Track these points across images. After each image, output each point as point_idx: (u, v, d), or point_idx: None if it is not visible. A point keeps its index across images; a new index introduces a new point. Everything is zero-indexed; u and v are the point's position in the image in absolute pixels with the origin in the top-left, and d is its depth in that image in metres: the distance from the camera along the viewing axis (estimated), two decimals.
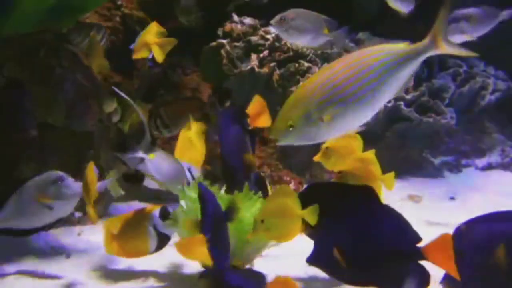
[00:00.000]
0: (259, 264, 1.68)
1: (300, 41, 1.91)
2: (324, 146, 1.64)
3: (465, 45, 1.48)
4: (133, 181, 2.21)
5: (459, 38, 1.72)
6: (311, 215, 1.35)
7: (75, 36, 2.17)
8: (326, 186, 1.61)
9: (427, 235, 2.09)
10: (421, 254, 1.28)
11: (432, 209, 2.48)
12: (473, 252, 1.24)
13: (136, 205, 2.35)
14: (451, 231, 1.38)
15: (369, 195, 1.40)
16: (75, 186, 1.61)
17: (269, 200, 1.41)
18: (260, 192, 1.60)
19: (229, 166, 1.67)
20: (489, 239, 1.23)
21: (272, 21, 1.89)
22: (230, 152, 1.67)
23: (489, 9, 1.69)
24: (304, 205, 1.37)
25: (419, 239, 1.33)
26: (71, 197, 1.62)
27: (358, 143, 1.67)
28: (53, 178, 1.60)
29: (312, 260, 1.45)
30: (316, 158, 1.66)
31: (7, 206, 1.62)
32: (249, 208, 1.56)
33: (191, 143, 1.76)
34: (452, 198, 2.68)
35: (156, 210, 1.65)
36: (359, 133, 1.55)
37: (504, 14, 1.72)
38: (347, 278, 1.41)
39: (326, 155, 1.64)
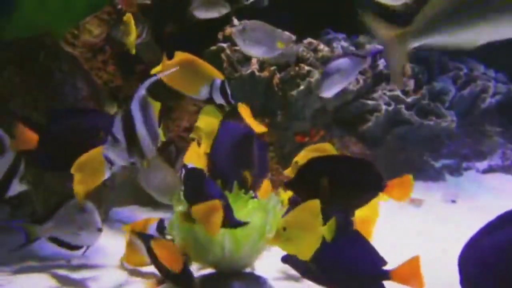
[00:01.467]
0: (260, 264, 1.68)
1: (255, 52, 1.99)
2: (294, 160, 1.66)
3: None
4: None
5: (333, 90, 1.84)
6: (328, 231, 1.34)
7: (116, 32, 2.20)
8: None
9: (427, 238, 2.09)
10: (387, 275, 1.39)
11: (433, 212, 2.47)
12: (487, 274, 1.21)
13: (136, 209, 2.35)
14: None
15: None
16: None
17: (296, 211, 1.38)
18: (251, 192, 1.61)
19: (218, 168, 1.67)
20: (498, 253, 1.20)
21: (234, 29, 1.95)
22: (221, 155, 1.67)
23: (355, 59, 1.82)
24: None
25: (384, 263, 1.41)
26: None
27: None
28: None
29: (287, 259, 1.50)
30: (287, 171, 1.67)
31: (55, 215, 1.68)
32: (242, 208, 1.56)
33: (198, 157, 1.77)
34: (453, 201, 2.67)
35: (152, 224, 1.67)
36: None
37: (366, 61, 1.86)
38: (317, 280, 1.46)
39: (294, 169, 1.65)
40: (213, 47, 2.73)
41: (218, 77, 1.64)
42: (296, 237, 1.34)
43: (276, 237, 1.35)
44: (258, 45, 1.95)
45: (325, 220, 1.35)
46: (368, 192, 1.45)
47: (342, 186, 1.42)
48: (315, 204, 1.34)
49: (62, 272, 1.74)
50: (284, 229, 1.33)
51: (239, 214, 1.54)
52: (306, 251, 1.36)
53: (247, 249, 1.55)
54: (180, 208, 1.61)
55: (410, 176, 1.45)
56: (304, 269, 1.46)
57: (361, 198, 1.46)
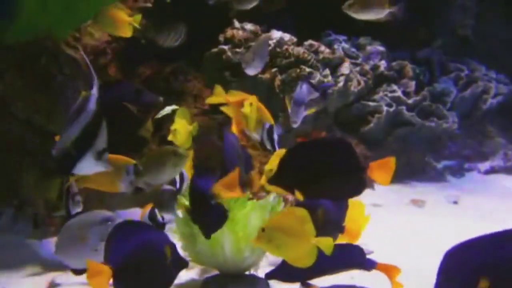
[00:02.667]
0: (263, 266, 1.68)
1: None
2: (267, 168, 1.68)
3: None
4: None
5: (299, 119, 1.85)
6: (326, 246, 1.33)
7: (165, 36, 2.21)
8: None
9: (429, 239, 2.09)
10: (375, 265, 1.55)
11: (435, 214, 2.47)
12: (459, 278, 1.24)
13: (138, 211, 2.35)
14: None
15: None
16: None
17: (280, 213, 1.38)
18: (249, 194, 1.61)
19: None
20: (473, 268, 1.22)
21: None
22: (232, 159, 1.69)
23: (311, 88, 1.87)
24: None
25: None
26: None
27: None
28: (101, 218, 1.56)
29: (271, 275, 1.53)
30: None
31: (58, 243, 1.55)
32: (240, 209, 1.56)
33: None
34: (455, 203, 2.67)
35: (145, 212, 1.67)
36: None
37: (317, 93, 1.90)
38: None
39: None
40: (214, 49, 2.74)
41: (269, 121, 1.66)
42: (278, 240, 1.32)
43: (257, 237, 1.33)
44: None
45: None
46: (351, 174, 1.44)
47: (324, 172, 1.42)
48: (302, 212, 1.33)
49: (63, 273, 1.74)
50: (263, 229, 1.32)
51: (238, 215, 1.54)
52: (291, 256, 1.35)
53: (248, 250, 1.55)
54: (181, 212, 1.62)
55: (393, 158, 1.45)
56: (290, 277, 1.52)
57: (345, 181, 1.44)
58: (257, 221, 1.55)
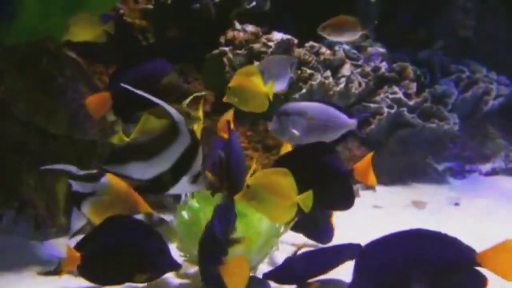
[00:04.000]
0: (264, 268, 1.68)
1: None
2: (229, 85, 1.65)
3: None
4: None
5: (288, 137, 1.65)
6: (305, 202, 1.36)
7: None
8: None
9: None
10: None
11: (436, 215, 2.46)
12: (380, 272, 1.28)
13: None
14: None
15: None
16: None
17: (265, 172, 1.40)
18: None
19: (235, 174, 1.69)
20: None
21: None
22: (238, 161, 1.70)
23: (330, 110, 1.72)
24: None
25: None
26: None
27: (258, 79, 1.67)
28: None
29: (269, 276, 1.56)
30: (225, 99, 1.68)
31: None
32: (253, 213, 1.56)
33: None
34: (456, 204, 2.66)
35: None
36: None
37: (350, 123, 1.72)
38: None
39: (231, 94, 1.66)
40: (215, 51, 2.73)
41: None
42: (261, 198, 1.36)
43: (242, 194, 1.38)
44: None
45: None
46: (337, 180, 1.45)
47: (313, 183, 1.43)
48: (286, 172, 1.36)
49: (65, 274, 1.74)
50: (248, 186, 1.36)
51: (252, 219, 1.55)
52: (280, 218, 1.40)
53: (254, 253, 1.56)
54: (185, 213, 1.62)
55: (370, 154, 1.50)
56: (286, 278, 1.55)
57: (333, 189, 1.46)
58: (265, 225, 1.57)
